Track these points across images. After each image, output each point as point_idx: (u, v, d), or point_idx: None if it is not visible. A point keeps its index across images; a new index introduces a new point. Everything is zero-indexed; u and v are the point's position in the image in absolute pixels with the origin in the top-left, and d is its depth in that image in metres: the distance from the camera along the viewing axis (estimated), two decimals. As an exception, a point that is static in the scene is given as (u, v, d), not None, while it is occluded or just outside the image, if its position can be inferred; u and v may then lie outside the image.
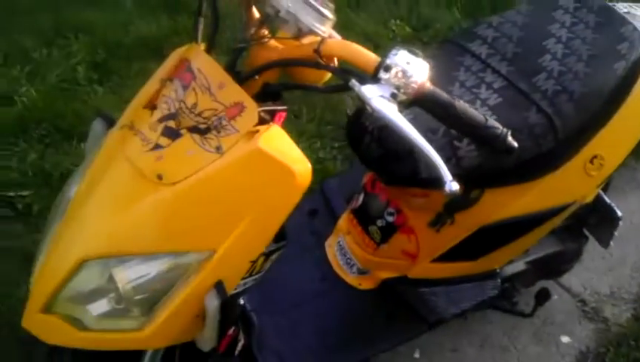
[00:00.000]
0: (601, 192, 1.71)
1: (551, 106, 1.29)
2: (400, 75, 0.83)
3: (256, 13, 1.04)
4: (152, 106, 0.98)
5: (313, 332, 1.47)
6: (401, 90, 0.84)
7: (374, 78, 0.85)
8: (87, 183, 1.02)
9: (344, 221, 1.61)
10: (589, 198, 1.57)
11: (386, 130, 1.27)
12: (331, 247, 1.62)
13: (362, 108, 1.31)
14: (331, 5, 0.91)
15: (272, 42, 1.03)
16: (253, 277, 1.07)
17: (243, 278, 1.03)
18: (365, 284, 1.56)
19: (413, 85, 0.83)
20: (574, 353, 1.92)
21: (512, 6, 3.30)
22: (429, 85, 0.85)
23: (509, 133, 0.89)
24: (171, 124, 0.95)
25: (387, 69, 0.84)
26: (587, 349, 1.93)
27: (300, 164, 0.96)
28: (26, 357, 1.77)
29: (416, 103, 0.85)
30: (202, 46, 1.04)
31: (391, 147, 1.27)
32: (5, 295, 1.92)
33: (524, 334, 1.96)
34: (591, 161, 1.41)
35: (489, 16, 1.51)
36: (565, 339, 1.96)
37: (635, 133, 1.48)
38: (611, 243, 1.82)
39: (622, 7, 1.53)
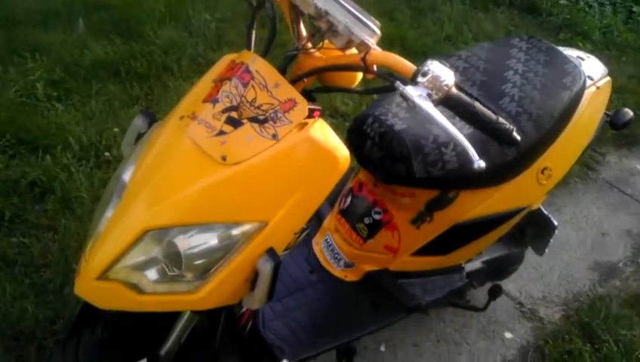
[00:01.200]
0: (541, 207, 2.02)
1: (514, 124, 1.57)
2: (434, 79, 1.06)
3: (303, 30, 1.24)
4: (213, 100, 1.16)
5: (307, 317, 1.64)
6: (434, 92, 1.06)
7: (413, 81, 1.07)
8: (146, 166, 1.17)
9: (330, 221, 1.81)
10: (537, 205, 1.86)
11: (386, 136, 1.50)
12: (318, 245, 1.81)
13: (362, 117, 1.54)
14: (378, 23, 1.13)
15: (317, 52, 1.24)
16: (284, 253, 1.25)
17: (283, 250, 1.20)
18: (350, 276, 1.75)
19: (444, 88, 1.06)
20: (517, 346, 2.19)
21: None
22: (454, 89, 1.08)
23: (515, 129, 1.14)
24: (234, 114, 1.13)
25: (424, 74, 1.06)
26: (527, 343, 2.21)
27: (341, 151, 1.16)
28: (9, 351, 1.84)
29: (444, 102, 1.08)
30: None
31: (390, 150, 1.50)
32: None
33: (474, 331, 2.21)
34: (542, 172, 1.70)
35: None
36: (508, 335, 2.23)
37: (576, 150, 1.79)
38: (546, 250, 2.11)
39: (561, 49, 1.85)
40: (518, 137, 1.15)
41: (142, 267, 1.14)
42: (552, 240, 2.07)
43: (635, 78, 3.94)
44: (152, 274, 1.15)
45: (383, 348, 2.10)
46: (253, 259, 1.14)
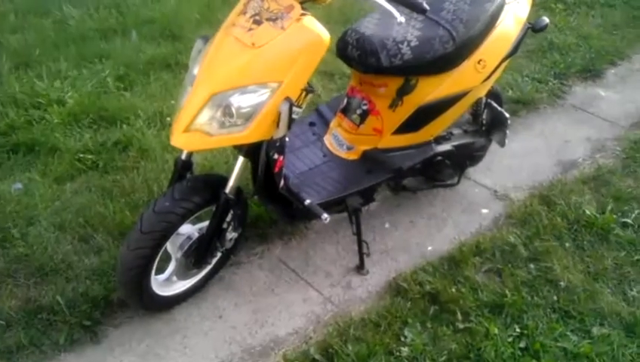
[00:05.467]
0: (495, 104, 2.71)
1: (451, 26, 2.29)
2: None
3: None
4: (244, 12, 1.91)
5: (323, 180, 2.35)
6: None
7: None
8: (207, 60, 1.92)
9: (335, 121, 2.54)
10: (482, 93, 2.55)
11: (359, 39, 2.23)
12: (327, 139, 2.53)
13: (345, 30, 2.28)
14: None
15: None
16: (297, 110, 1.96)
17: (295, 106, 1.92)
18: (352, 156, 2.47)
19: None
20: (491, 217, 2.85)
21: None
22: None
23: (424, 2, 1.85)
24: (257, 18, 1.88)
25: None
26: (500, 215, 2.86)
27: (325, 35, 1.89)
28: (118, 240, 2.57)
29: None
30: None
31: (363, 49, 2.22)
32: (98, 214, 2.72)
33: (457, 209, 2.89)
34: (478, 62, 2.39)
35: None
36: (485, 211, 2.89)
37: (503, 46, 2.46)
38: (506, 141, 2.78)
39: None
40: (427, 7, 1.85)
41: (210, 120, 1.89)
42: (507, 132, 2.74)
43: (601, 27, 4.60)
44: (216, 123, 1.89)
45: (387, 225, 2.79)
46: (277, 105, 1.88)
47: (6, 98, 3.45)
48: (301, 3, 1.92)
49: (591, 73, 4.05)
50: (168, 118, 3.39)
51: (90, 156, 3.10)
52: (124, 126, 3.33)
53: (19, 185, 2.91)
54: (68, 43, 4.24)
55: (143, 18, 4.58)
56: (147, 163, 3.05)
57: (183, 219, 2.06)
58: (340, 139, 2.49)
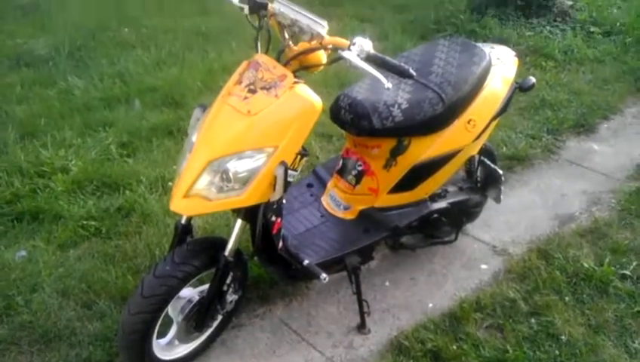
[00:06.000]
0: (488, 161, 2.78)
1: (439, 88, 2.37)
2: (361, 46, 1.87)
3: (286, 35, 2.09)
4: (239, 82, 1.99)
5: (321, 240, 2.39)
6: (362, 53, 1.87)
7: (349, 49, 1.88)
8: (205, 128, 1.99)
9: (332, 182, 2.60)
10: (474, 151, 2.62)
11: (352, 103, 2.32)
12: (325, 200, 2.59)
13: (337, 96, 2.37)
14: (325, 22, 1.96)
15: (295, 47, 2.08)
16: (293, 173, 2.03)
17: (291, 169, 1.99)
18: (349, 215, 2.52)
19: (367, 50, 1.87)
20: (491, 273, 2.87)
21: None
22: (373, 51, 1.89)
23: (411, 68, 1.92)
24: (252, 87, 1.96)
25: (354, 44, 1.87)
26: (499, 270, 2.88)
27: (317, 102, 1.97)
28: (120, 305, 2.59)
29: (367, 59, 1.88)
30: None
31: (356, 112, 2.30)
32: (101, 279, 2.75)
33: (457, 265, 2.91)
34: (468, 122, 2.47)
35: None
36: (484, 266, 2.91)
37: (492, 106, 2.54)
38: (502, 197, 2.84)
39: (480, 44, 2.66)
40: (414, 72, 1.92)
41: (208, 185, 1.95)
42: (502, 188, 2.80)
43: (592, 82, 4.72)
44: (214, 188, 1.95)
45: (387, 283, 2.81)
46: (273, 169, 1.94)
47: (12, 167, 3.53)
48: (294, 72, 2.01)
49: (584, 128, 4.14)
50: (170, 183, 3.45)
51: (93, 222, 3.15)
52: (127, 192, 3.39)
53: (23, 253, 2.96)
54: (73, 112, 4.36)
55: (146, 86, 4.72)
56: (149, 228, 3.09)
57: (183, 283, 2.10)
58: (337, 200, 2.54)
